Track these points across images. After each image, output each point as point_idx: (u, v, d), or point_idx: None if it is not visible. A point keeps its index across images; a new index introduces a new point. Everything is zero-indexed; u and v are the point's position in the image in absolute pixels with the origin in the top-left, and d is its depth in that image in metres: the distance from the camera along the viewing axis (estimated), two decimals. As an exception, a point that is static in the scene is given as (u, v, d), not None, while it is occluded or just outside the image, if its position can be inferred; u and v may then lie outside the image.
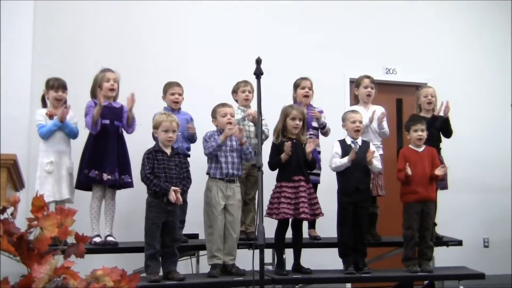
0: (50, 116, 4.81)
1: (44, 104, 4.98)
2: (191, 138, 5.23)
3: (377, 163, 5.13)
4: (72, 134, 4.91)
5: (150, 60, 6.17)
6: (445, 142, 5.72)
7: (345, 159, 5.02)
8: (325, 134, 5.60)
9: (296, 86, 5.61)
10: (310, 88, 5.58)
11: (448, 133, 5.68)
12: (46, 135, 4.78)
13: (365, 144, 5.18)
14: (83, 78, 5.12)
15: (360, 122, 5.19)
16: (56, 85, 4.88)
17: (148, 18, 6.30)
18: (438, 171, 5.15)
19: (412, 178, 5.14)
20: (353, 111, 5.38)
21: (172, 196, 4.42)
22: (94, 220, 4.88)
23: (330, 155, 5.17)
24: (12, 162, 2.53)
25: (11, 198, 2.63)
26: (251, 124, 5.33)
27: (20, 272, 2.56)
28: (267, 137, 5.34)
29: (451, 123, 5.64)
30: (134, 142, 5.10)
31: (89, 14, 6.06)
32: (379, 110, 5.60)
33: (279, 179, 5.00)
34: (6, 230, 2.53)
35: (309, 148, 4.91)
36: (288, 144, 4.84)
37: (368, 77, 5.72)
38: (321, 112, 5.57)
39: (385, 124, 5.59)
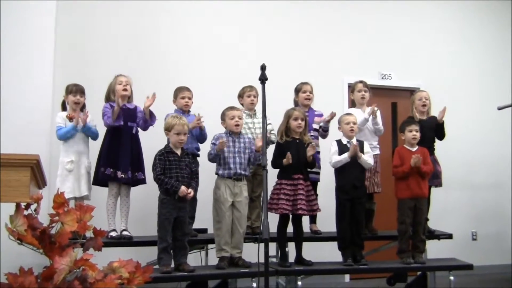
0: (70, 119, 4.82)
1: (64, 109, 4.99)
2: (201, 138, 5.19)
3: (368, 158, 5.09)
4: (94, 136, 4.96)
5: (162, 65, 6.16)
6: (438, 144, 5.70)
7: (346, 154, 5.02)
8: (325, 136, 5.59)
9: (297, 90, 5.61)
10: (311, 92, 5.58)
11: (442, 136, 5.66)
12: (63, 137, 4.79)
13: (360, 144, 5.14)
14: (101, 84, 5.12)
15: (354, 123, 5.17)
16: (74, 89, 4.89)
17: (161, 27, 6.30)
18: (309, 152, 4.92)
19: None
20: (347, 113, 5.36)
21: (182, 192, 4.43)
22: (111, 216, 4.90)
23: (330, 154, 5.15)
24: (35, 161, 2.53)
25: (35, 196, 2.64)
26: (257, 126, 5.32)
27: (43, 264, 2.58)
28: (273, 142, 5.29)
29: (445, 127, 5.62)
30: (148, 139, 5.09)
31: (106, 25, 6.06)
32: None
33: (279, 176, 5.00)
34: (30, 225, 2.55)
35: (309, 152, 4.90)
36: (288, 155, 4.81)
37: (361, 81, 5.71)
38: (320, 115, 5.57)
39: (379, 120, 5.55)
